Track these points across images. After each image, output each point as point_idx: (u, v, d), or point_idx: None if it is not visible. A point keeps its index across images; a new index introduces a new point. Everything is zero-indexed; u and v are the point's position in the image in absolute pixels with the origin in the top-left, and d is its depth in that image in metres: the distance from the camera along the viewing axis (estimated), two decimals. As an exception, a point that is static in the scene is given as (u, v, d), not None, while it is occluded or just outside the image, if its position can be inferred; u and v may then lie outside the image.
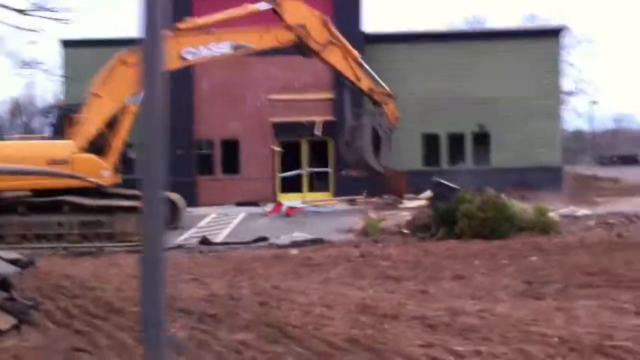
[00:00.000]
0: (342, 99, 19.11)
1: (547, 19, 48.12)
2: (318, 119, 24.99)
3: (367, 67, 18.99)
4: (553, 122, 27.28)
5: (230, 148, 26.18)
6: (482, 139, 27.23)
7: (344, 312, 7.29)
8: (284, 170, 25.85)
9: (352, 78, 18.23)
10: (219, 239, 16.57)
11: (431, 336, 6.17)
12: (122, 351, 6.11)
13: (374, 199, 24.37)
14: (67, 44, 27.04)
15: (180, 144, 25.58)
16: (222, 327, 6.84)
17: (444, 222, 14.67)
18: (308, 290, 8.66)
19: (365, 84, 18.63)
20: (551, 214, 15.41)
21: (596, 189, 28.12)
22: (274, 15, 18.30)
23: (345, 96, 18.98)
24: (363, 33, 25.74)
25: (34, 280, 9.73)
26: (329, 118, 24.98)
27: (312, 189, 26.06)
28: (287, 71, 25.43)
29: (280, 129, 25.61)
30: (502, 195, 20.79)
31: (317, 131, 24.78)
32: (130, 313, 7.58)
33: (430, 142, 27.08)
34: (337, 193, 25.47)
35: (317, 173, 25.96)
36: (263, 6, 18.01)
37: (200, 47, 17.03)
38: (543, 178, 25.26)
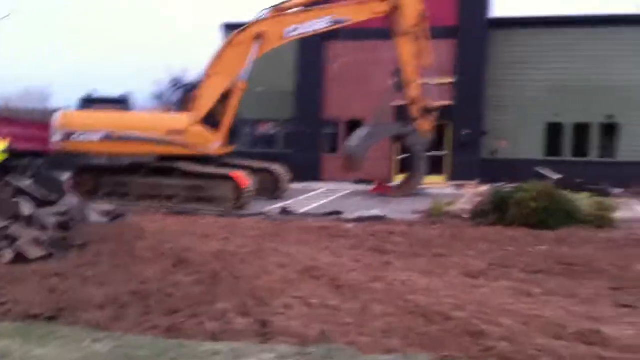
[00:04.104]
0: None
1: None
2: (437, 104, 25.58)
3: (432, 83, 19.58)
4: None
5: (354, 128, 27.64)
6: (610, 130, 26.10)
7: (288, 272, 8.69)
8: (401, 152, 26.87)
9: (407, 77, 18.79)
10: (304, 210, 18.30)
11: (324, 294, 7.45)
12: (88, 284, 8.06)
13: (486, 186, 24.60)
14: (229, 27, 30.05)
15: (310, 123, 27.74)
16: (182, 270, 8.63)
17: (499, 209, 15.16)
18: (292, 253, 10.14)
19: (412, 91, 19.22)
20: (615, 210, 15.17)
21: None
22: None
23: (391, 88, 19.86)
24: (487, 19, 25.86)
25: (109, 228, 12.12)
26: (448, 102, 25.50)
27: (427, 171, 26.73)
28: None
29: (402, 112, 26.54)
30: (610, 190, 20.52)
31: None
32: (138, 257, 9.57)
33: (554, 131, 26.53)
34: (453, 177, 26.07)
35: (432, 156, 26.60)
36: None
37: (300, 25, 18.61)
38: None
